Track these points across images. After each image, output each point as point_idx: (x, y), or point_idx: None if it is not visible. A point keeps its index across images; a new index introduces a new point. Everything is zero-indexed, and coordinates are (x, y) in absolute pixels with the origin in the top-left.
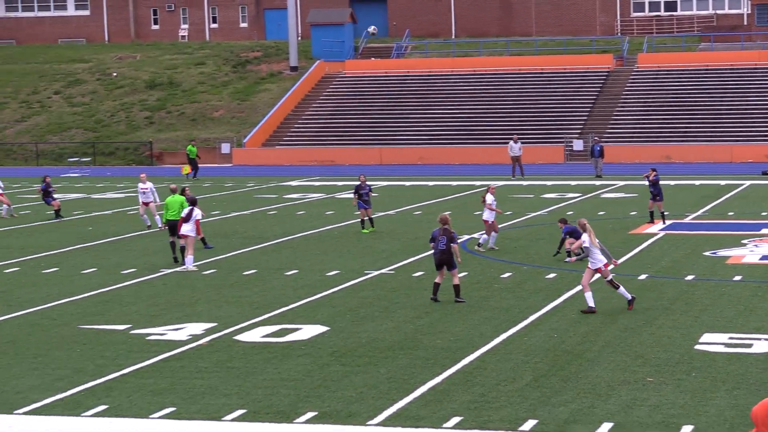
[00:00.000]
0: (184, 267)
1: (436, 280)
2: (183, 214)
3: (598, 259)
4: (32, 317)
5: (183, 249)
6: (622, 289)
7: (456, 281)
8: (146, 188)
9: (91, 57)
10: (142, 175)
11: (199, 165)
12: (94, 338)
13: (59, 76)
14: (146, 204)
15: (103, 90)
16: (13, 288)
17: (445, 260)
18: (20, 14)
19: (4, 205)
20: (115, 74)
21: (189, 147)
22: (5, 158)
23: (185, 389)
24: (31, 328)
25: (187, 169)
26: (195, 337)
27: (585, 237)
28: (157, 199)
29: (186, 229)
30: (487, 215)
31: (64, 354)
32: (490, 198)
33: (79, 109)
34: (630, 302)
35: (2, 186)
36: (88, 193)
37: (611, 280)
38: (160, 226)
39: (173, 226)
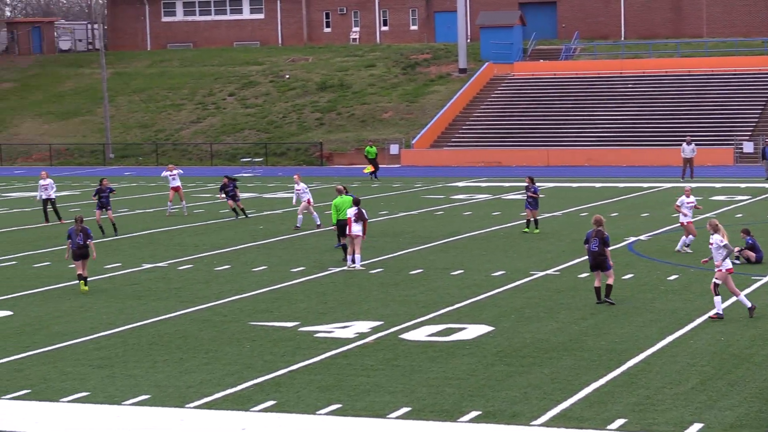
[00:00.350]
0: (352, 266)
1: (595, 284)
2: (351, 215)
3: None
4: (204, 313)
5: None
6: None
7: (610, 281)
8: (300, 189)
9: (265, 59)
10: (295, 176)
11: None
12: (264, 335)
13: (234, 78)
14: (309, 203)
15: (275, 92)
16: (187, 284)
17: (599, 262)
18: (198, 18)
19: (182, 202)
20: (287, 76)
21: (368, 148)
22: (181, 158)
23: (351, 386)
24: (203, 324)
25: (369, 168)
26: (361, 335)
27: (718, 237)
28: (311, 199)
29: (356, 229)
30: (683, 217)
31: (234, 350)
32: (683, 199)
33: (253, 110)
34: (751, 310)
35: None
36: (259, 193)
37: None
38: (299, 225)
39: (343, 226)
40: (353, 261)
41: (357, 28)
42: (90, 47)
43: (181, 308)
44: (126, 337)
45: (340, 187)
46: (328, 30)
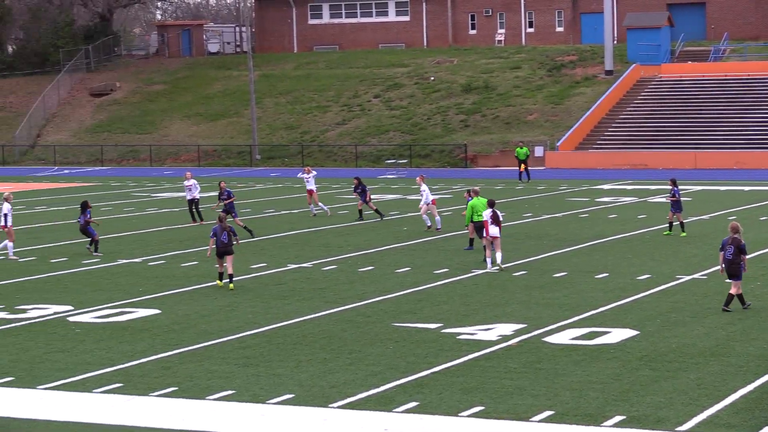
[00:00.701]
0: (493, 268)
1: (731, 291)
2: (487, 217)
3: None
4: (348, 314)
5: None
6: None
7: (732, 291)
8: (425, 190)
9: (410, 61)
10: (418, 178)
11: (513, 169)
12: (407, 336)
13: (379, 80)
14: (429, 204)
15: (420, 93)
16: (331, 285)
17: (732, 270)
18: (343, 20)
19: (319, 204)
20: (432, 78)
21: (518, 149)
22: (326, 159)
23: (494, 389)
24: (347, 324)
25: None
26: (504, 338)
27: None
28: (434, 200)
29: (493, 231)
30: None
31: (377, 350)
32: None
33: (397, 112)
34: None
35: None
36: (403, 194)
37: None
38: (429, 224)
39: (479, 228)
40: (492, 263)
41: (502, 30)
42: (238, 50)
43: (325, 308)
44: (271, 336)
45: (476, 188)
46: (474, 32)
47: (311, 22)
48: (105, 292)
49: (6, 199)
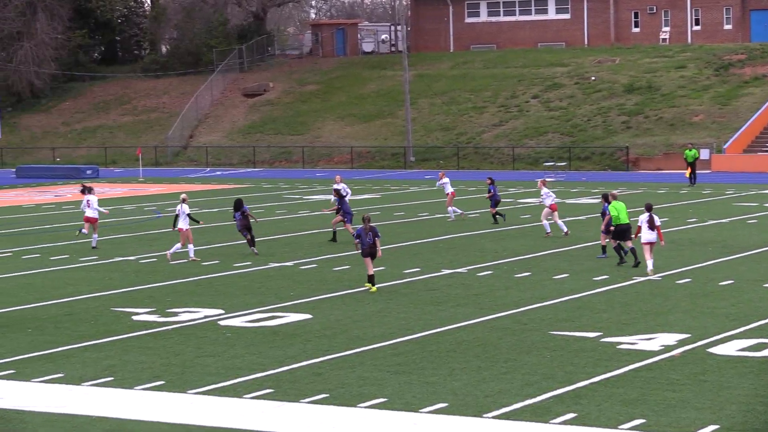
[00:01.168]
0: (649, 275)
1: None
2: (643, 222)
3: None
4: (503, 321)
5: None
6: None
7: None
8: (547, 192)
9: (570, 61)
10: (540, 182)
11: (677, 172)
12: (565, 344)
13: (537, 80)
14: (553, 208)
15: (580, 94)
16: (486, 291)
17: None
18: (501, 19)
19: (450, 208)
20: (593, 78)
21: (687, 151)
22: (482, 161)
23: (656, 401)
24: (502, 332)
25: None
26: (667, 348)
27: None
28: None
29: (649, 236)
30: None
31: (534, 359)
32: None
33: (556, 113)
34: None
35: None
36: (562, 198)
37: None
38: (549, 231)
39: (621, 231)
40: (651, 269)
41: (667, 28)
42: (393, 49)
43: (480, 315)
44: (424, 343)
45: (614, 192)
46: (637, 30)
47: (468, 20)
48: (256, 295)
49: (183, 201)
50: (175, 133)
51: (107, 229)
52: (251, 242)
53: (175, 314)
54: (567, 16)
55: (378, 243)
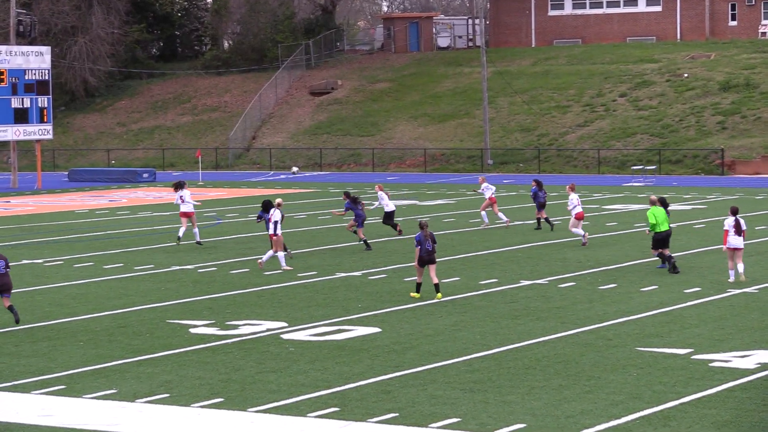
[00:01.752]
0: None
1: None
2: (729, 227)
3: None
4: (587, 336)
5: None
6: None
7: None
8: (572, 200)
9: (661, 56)
10: (568, 187)
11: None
12: (653, 362)
13: (626, 77)
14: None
15: (672, 92)
16: (568, 304)
17: None
18: (587, 12)
19: (483, 213)
20: (686, 75)
21: None
22: (565, 165)
23: (752, 423)
24: (585, 348)
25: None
26: (763, 366)
27: None
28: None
29: (736, 241)
30: None
31: (619, 378)
32: None
33: (646, 113)
34: None
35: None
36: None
37: None
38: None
39: (660, 240)
40: (735, 276)
41: (767, 21)
42: (470, 44)
43: (561, 330)
44: (501, 359)
45: (653, 197)
46: (734, 23)
47: (551, 13)
48: (321, 307)
49: (278, 206)
50: (237, 134)
51: (162, 237)
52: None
53: (235, 327)
54: (658, 9)
55: (434, 249)
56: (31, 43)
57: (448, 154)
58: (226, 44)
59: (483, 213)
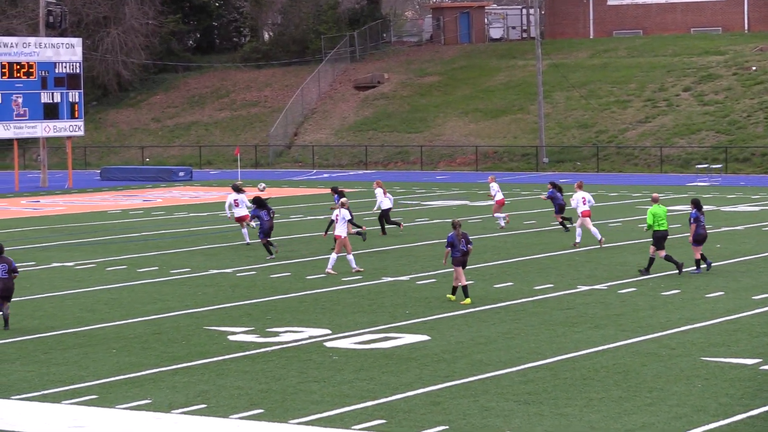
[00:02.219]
0: None
1: None
2: None
3: None
4: (648, 345)
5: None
6: None
7: None
8: (585, 198)
9: (728, 48)
10: (576, 184)
11: None
12: (719, 372)
13: (690, 70)
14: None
15: (739, 86)
16: (629, 311)
17: None
18: (649, 0)
19: (498, 215)
20: (754, 68)
21: None
22: (625, 163)
23: None
24: (647, 357)
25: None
26: None
27: None
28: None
29: None
30: None
31: (683, 389)
32: None
33: (711, 108)
34: None
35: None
36: (717, 205)
37: None
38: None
39: (659, 238)
40: None
41: None
42: (524, 35)
43: (621, 338)
44: (557, 369)
45: (656, 195)
46: None
47: (611, 2)
48: (367, 314)
49: (342, 205)
50: (278, 131)
51: (200, 239)
52: (270, 246)
53: (276, 334)
54: None
55: (470, 249)
56: (61, 35)
57: (501, 151)
58: (266, 36)
59: (497, 215)
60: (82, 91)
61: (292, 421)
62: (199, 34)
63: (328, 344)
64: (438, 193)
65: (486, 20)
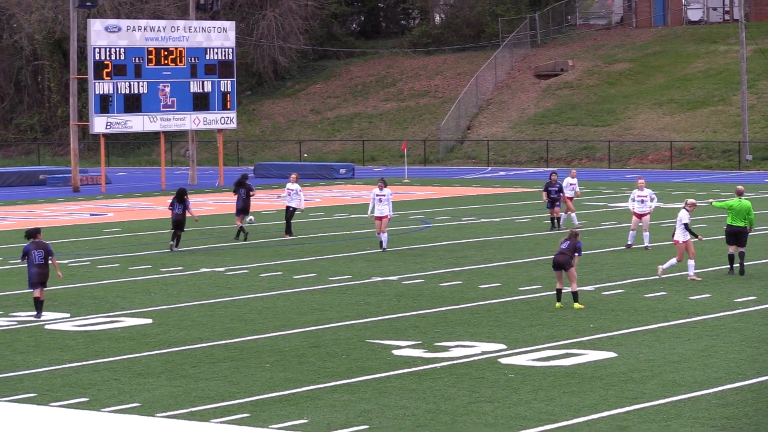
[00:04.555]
0: None
1: None
2: None
3: None
4: None
5: None
6: None
7: None
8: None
9: None
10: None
11: None
12: None
13: None
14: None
15: None
16: None
17: None
18: None
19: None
20: None
21: None
22: None
23: None
24: None
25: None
26: None
27: None
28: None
29: None
30: None
31: None
32: None
33: None
34: None
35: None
36: None
37: None
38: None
39: (732, 234)
40: None
41: None
42: (727, 17)
43: None
44: (759, 391)
45: (740, 188)
46: None
47: None
48: (547, 327)
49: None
50: (449, 124)
51: (362, 242)
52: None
53: (446, 349)
54: None
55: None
56: (213, 18)
57: (699, 147)
58: (437, 18)
59: (572, 215)
60: (234, 79)
61: None
62: (363, 17)
63: (503, 361)
64: (628, 193)
65: (683, 1)
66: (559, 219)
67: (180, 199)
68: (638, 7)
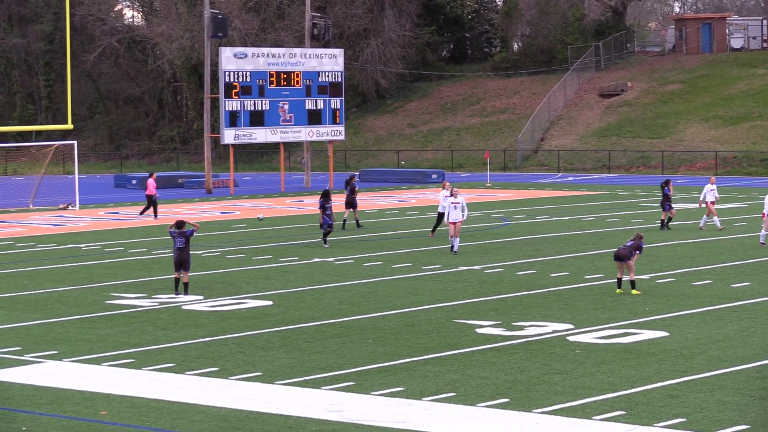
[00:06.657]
0: None
1: None
2: None
3: None
4: None
5: None
6: None
7: None
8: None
9: None
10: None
11: None
12: None
13: None
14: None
15: None
16: None
17: None
18: None
19: (714, 217)
20: None
21: None
22: None
23: None
24: None
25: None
26: None
27: None
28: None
29: None
30: None
31: None
32: None
33: None
34: None
35: None
36: None
37: None
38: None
39: None
40: None
41: None
42: (765, 45)
43: None
44: None
45: None
46: None
47: None
48: (608, 310)
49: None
50: (526, 136)
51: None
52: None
53: (521, 328)
54: None
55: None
56: (324, 46)
57: (740, 156)
58: (515, 46)
59: (715, 219)
60: (343, 98)
61: (535, 410)
62: (452, 44)
63: (571, 338)
64: (678, 196)
65: (727, 31)
66: (669, 219)
67: (326, 198)
68: (688, 37)
